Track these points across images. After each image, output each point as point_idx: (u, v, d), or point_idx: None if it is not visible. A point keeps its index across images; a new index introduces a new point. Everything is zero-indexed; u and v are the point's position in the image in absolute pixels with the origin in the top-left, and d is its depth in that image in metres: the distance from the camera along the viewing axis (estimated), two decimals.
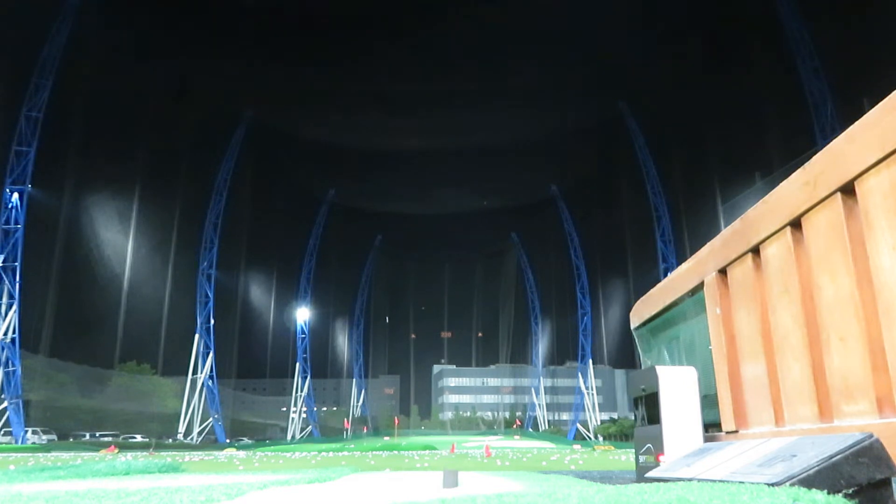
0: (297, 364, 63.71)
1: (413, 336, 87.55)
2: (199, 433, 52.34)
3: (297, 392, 63.22)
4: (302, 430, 63.26)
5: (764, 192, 2.70)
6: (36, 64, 39.05)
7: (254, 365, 70.48)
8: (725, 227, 3.06)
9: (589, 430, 61.63)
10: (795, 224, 2.39)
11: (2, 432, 38.11)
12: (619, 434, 57.40)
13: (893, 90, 1.87)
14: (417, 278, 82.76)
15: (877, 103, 1.95)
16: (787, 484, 1.73)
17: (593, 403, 63.14)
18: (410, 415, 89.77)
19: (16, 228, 38.80)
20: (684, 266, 3.69)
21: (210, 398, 53.53)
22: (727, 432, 2.96)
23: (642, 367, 3.97)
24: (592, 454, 19.24)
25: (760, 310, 2.67)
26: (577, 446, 39.91)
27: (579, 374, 63.53)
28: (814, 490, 1.62)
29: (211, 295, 54.16)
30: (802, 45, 36.60)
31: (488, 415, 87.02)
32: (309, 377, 63.94)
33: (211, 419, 53.61)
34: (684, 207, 51.29)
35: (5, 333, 37.86)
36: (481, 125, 55.89)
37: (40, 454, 23.09)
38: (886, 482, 1.75)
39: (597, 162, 61.95)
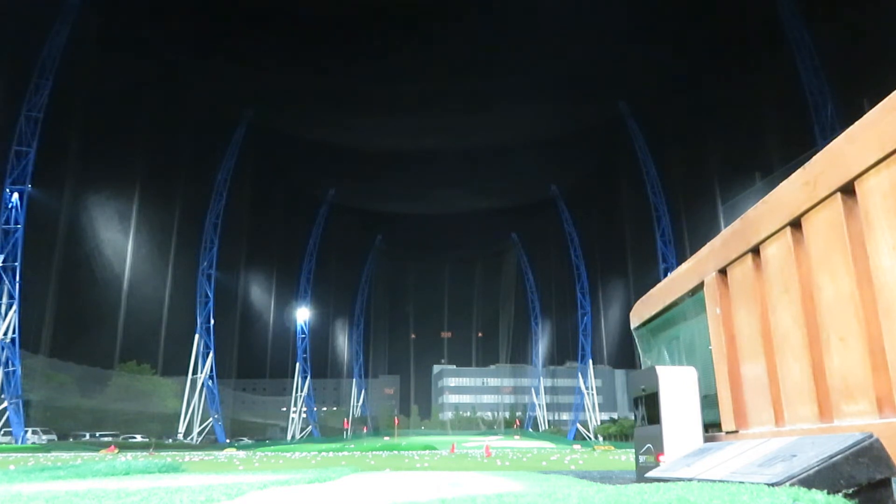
0: (297, 364, 63.73)
1: (413, 336, 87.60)
2: (199, 433, 52.35)
3: (297, 392, 63.23)
4: (302, 430, 63.27)
5: (764, 192, 2.70)
6: (36, 64, 39.06)
7: (254, 365, 70.58)
8: (725, 227, 3.06)
9: (589, 430, 61.64)
10: (795, 224, 2.39)
11: (2, 432, 38.12)
12: (619, 434, 57.41)
13: (893, 90, 1.87)
14: (417, 278, 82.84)
15: (877, 103, 1.95)
16: (787, 484, 1.73)
17: (593, 403, 63.15)
18: (410, 415, 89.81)
19: (16, 228, 38.80)
20: (684, 266, 3.69)
21: (210, 398, 53.53)
22: (727, 432, 2.96)
23: (642, 367, 3.97)
24: (592, 454, 19.25)
25: (760, 310, 2.67)
26: (577, 446, 39.90)
27: (579, 374, 63.54)
28: (814, 490, 1.62)
29: (211, 295, 54.18)
30: (802, 45, 36.60)
31: (488, 415, 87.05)
32: (309, 377, 63.96)
33: (211, 419, 53.61)
34: (684, 207, 51.34)
35: (5, 333, 37.86)
36: (481, 125, 55.89)
37: (40, 454, 23.09)
38: (886, 482, 1.75)
39: (597, 162, 61.99)
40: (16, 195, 38.90)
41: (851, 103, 29.99)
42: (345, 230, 68.79)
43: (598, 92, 53.96)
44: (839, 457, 1.75)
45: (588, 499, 1.75)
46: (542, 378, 72.84)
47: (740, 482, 1.89)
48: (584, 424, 62.99)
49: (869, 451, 1.76)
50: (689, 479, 2.26)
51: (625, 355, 65.32)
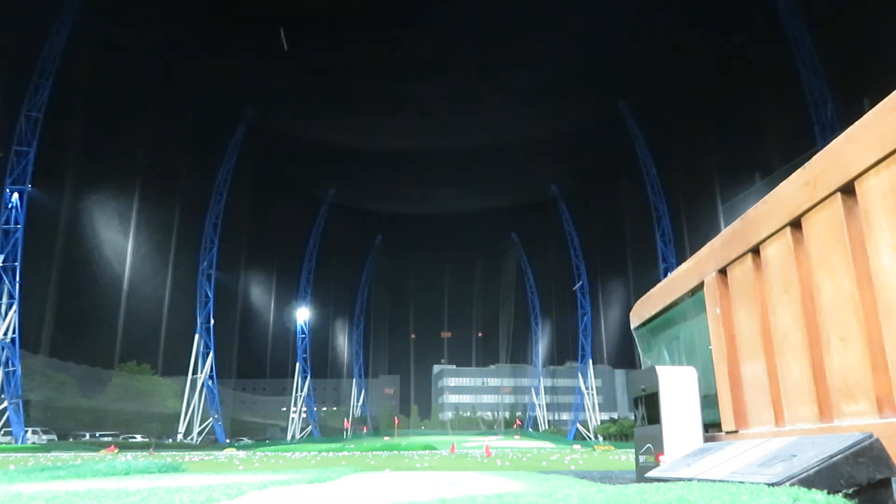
0: (297, 364, 63.73)
1: (413, 336, 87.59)
2: (199, 433, 52.35)
3: (297, 392, 63.23)
4: (302, 430, 63.27)
5: (764, 192, 2.70)
6: (36, 64, 39.05)
7: (254, 365, 70.53)
8: (725, 227, 3.06)
9: (589, 430, 61.64)
10: (795, 224, 2.39)
11: (2, 432, 38.12)
12: (619, 434, 57.40)
13: (893, 90, 1.87)
14: (417, 278, 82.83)
15: (877, 103, 1.95)
16: (787, 484, 1.73)
17: (593, 403, 63.15)
18: (410, 415, 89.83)
19: (16, 228, 38.80)
20: (684, 266, 3.70)
21: (210, 398, 53.54)
22: (727, 432, 2.96)
23: (642, 367, 3.97)
24: (592, 454, 19.25)
25: (760, 310, 2.67)
26: (577, 446, 39.90)
27: (579, 374, 63.54)
28: (814, 490, 1.62)
29: (211, 295, 54.18)
30: (802, 44, 36.58)
31: (488, 415, 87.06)
32: (309, 377, 63.96)
33: (211, 419, 53.62)
34: (684, 207, 51.30)
35: (5, 333, 37.86)
36: (482, 125, 55.85)
37: (40, 454, 23.09)
38: (886, 482, 1.75)
39: (597, 162, 61.96)
40: (16, 195, 38.90)
41: (851, 103, 29.98)
42: (345, 230, 68.80)
43: (598, 92, 53.95)
44: (839, 457, 1.75)
45: (588, 499, 1.75)
46: (542, 378, 72.85)
47: (740, 482, 1.89)
48: (584, 424, 63.00)
49: (869, 451, 1.76)
50: (689, 479, 2.26)
51: (625, 355, 65.33)
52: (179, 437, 50.59)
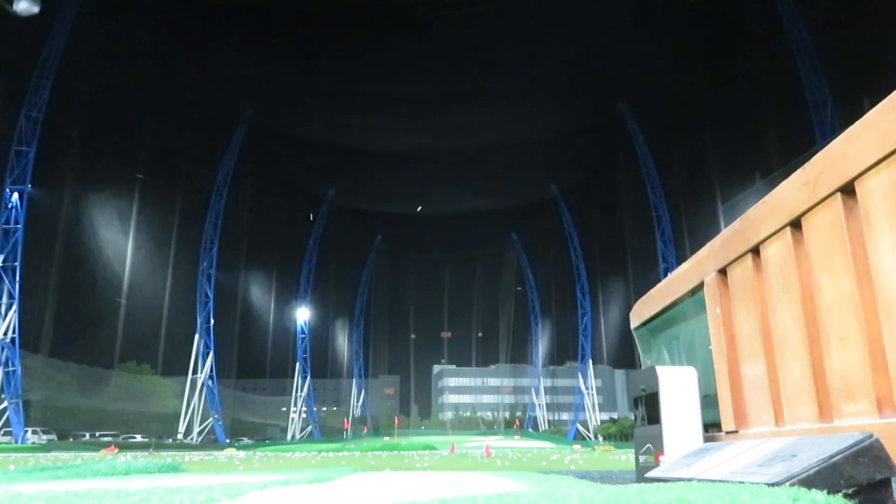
0: (297, 364, 63.73)
1: (413, 336, 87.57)
2: (199, 433, 52.35)
3: (297, 392, 63.23)
4: (302, 430, 63.27)
5: (764, 192, 2.70)
6: (36, 64, 39.05)
7: (254, 365, 70.52)
8: (725, 227, 3.06)
9: (589, 430, 61.64)
10: (795, 224, 2.39)
11: (2, 432, 38.12)
12: (619, 434, 57.42)
13: (893, 90, 1.87)
14: (417, 278, 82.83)
15: (877, 103, 1.95)
16: (787, 484, 1.74)
17: (593, 403, 63.15)
18: (410, 415, 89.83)
19: (16, 228, 38.81)
20: (684, 266, 3.69)
21: (210, 398, 53.54)
22: (727, 432, 2.96)
23: (642, 367, 3.97)
24: (592, 454, 19.25)
25: (760, 310, 2.67)
26: (577, 446, 39.90)
27: (579, 374, 63.54)
28: (814, 490, 1.62)
29: (211, 295, 54.18)
30: (802, 44, 36.57)
31: (488, 415, 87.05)
32: (309, 377, 63.95)
33: (211, 419, 53.62)
34: (684, 207, 51.30)
35: (5, 333, 37.86)
36: (481, 125, 55.86)
37: (40, 454, 23.09)
38: (886, 482, 1.75)
39: (597, 162, 61.97)
40: (16, 195, 38.90)
41: (851, 103, 29.95)
42: (345, 230, 68.81)
43: (598, 92, 53.96)
44: (839, 457, 1.75)
45: (588, 499, 1.75)
46: (541, 378, 72.85)
47: (740, 482, 1.89)
48: (584, 424, 63.00)
49: (869, 451, 1.76)
50: (689, 479, 2.26)
51: (625, 355, 65.29)
52: (179, 437, 50.59)
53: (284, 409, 65.46)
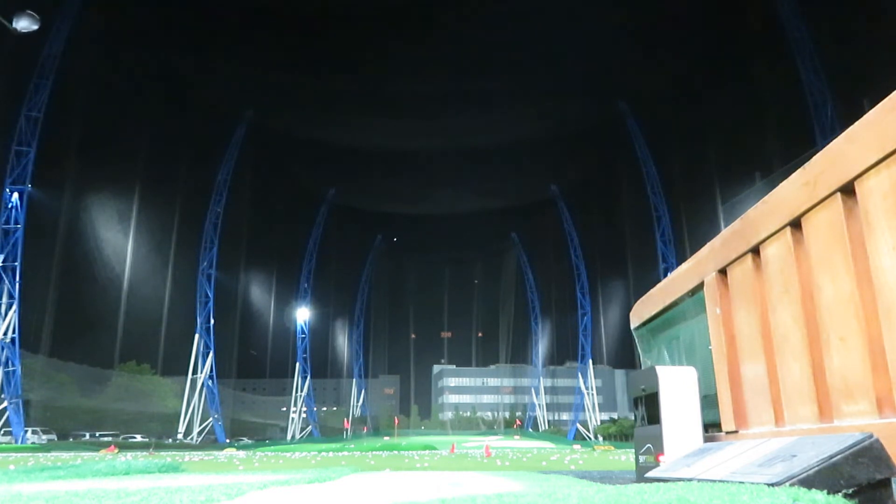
0: (297, 364, 63.73)
1: (413, 336, 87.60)
2: (199, 433, 52.34)
3: (297, 392, 63.23)
4: (302, 430, 63.26)
5: (764, 193, 2.70)
6: (36, 64, 39.04)
7: (254, 365, 70.54)
8: (725, 227, 3.06)
9: (589, 430, 61.64)
10: (795, 224, 2.39)
11: (2, 432, 38.12)
12: (619, 434, 57.42)
13: (893, 90, 1.87)
14: (417, 278, 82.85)
15: (877, 103, 1.95)
16: (787, 484, 1.74)
17: (593, 403, 63.15)
18: (410, 415, 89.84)
19: (16, 228, 38.79)
20: (684, 266, 3.69)
21: (210, 398, 53.53)
22: (727, 432, 2.96)
23: (642, 367, 3.97)
24: (592, 454, 19.25)
25: (760, 310, 2.67)
26: (577, 446, 39.90)
27: (579, 374, 63.54)
28: (814, 490, 1.62)
29: (211, 295, 54.18)
30: (802, 45, 36.57)
31: (488, 415, 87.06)
32: (309, 377, 63.95)
33: (211, 419, 53.61)
34: (684, 207, 51.28)
35: (5, 333, 37.85)
36: (481, 125, 55.86)
37: (40, 454, 23.09)
38: (886, 482, 1.75)
39: (597, 162, 61.97)
40: (16, 195, 38.89)
41: (851, 103, 29.94)
42: (345, 230, 68.81)
43: (598, 92, 53.96)
44: (839, 457, 1.75)
45: (588, 499, 1.75)
46: (541, 378, 72.85)
47: (740, 482, 1.89)
48: (584, 424, 63.00)
49: (869, 451, 1.76)
50: (689, 479, 2.26)
51: (625, 355, 65.30)
52: (179, 437, 50.58)
53: (284, 409, 65.46)
